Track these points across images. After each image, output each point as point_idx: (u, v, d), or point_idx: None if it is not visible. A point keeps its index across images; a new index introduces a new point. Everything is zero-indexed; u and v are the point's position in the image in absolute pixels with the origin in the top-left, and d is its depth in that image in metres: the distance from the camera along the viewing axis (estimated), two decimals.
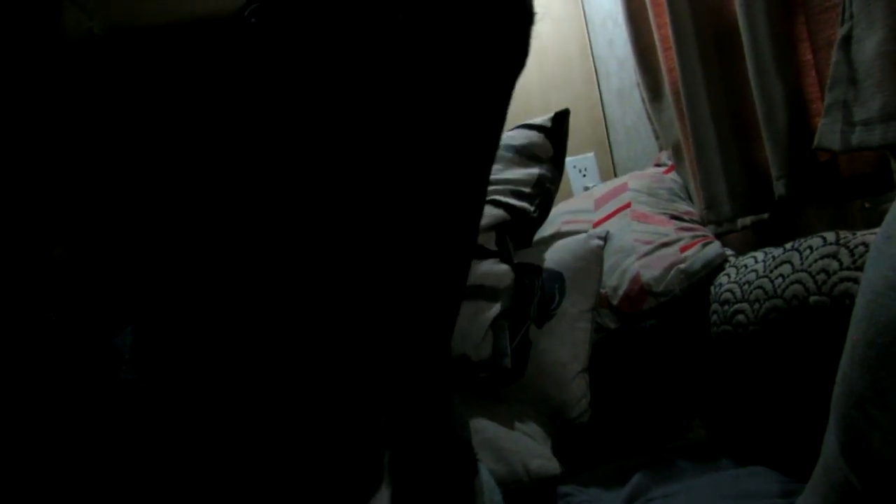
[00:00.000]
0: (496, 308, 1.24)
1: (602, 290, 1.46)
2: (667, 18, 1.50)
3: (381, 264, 0.45)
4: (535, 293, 1.33)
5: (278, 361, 0.46)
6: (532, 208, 1.40)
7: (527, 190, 1.41)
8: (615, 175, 2.23)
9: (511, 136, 1.49)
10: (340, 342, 0.46)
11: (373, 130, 0.42)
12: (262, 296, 0.46)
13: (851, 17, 0.94)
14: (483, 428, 1.16)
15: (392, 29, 0.40)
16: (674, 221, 1.57)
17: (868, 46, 0.91)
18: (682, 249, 1.45)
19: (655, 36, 1.64)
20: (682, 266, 1.41)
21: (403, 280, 0.46)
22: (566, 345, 1.32)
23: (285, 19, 0.46)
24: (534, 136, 1.47)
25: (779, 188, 1.22)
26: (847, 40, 0.96)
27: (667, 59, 1.60)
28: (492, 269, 1.29)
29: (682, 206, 1.64)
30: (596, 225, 1.65)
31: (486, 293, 1.26)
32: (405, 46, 0.40)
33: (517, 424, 1.20)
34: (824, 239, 1.02)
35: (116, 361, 0.76)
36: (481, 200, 0.62)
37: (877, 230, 0.77)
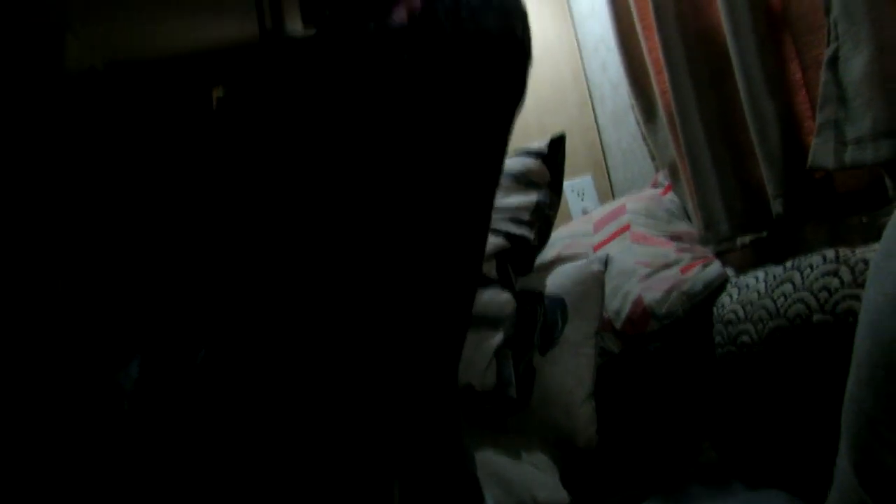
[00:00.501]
0: (499, 336, 1.24)
1: (605, 314, 1.46)
2: (657, 42, 1.51)
3: (390, 293, 0.45)
4: (538, 320, 1.33)
5: (288, 391, 0.46)
6: (531, 235, 1.40)
7: (526, 217, 1.41)
8: (613, 196, 2.23)
9: (508, 163, 1.50)
10: (349, 374, 0.46)
11: (379, 162, 0.42)
12: (271, 327, 0.47)
13: (837, 37, 0.95)
14: (490, 459, 1.15)
15: (397, 68, 0.41)
16: (673, 242, 1.57)
17: (855, 66, 0.92)
18: (683, 270, 1.45)
19: (647, 59, 1.65)
20: (684, 287, 1.40)
21: (411, 308, 0.46)
22: (571, 371, 1.31)
23: (296, 56, 0.48)
24: (531, 162, 1.48)
25: (776, 206, 1.22)
26: (834, 60, 0.97)
27: (659, 81, 1.61)
28: (494, 298, 1.29)
29: (681, 227, 1.64)
30: (596, 248, 1.65)
31: (489, 322, 1.26)
32: (409, 84, 0.41)
33: (524, 455, 1.19)
34: (824, 257, 1.02)
35: (118, 395, 0.76)
36: (486, 229, 0.63)
37: (876, 246, 0.78)
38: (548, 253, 1.65)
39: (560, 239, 1.76)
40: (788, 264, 1.12)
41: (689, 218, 1.67)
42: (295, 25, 2.24)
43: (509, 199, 1.44)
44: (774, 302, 1.09)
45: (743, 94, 1.27)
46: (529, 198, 1.44)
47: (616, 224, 1.68)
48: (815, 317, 0.98)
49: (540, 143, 1.51)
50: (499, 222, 1.39)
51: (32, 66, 2.90)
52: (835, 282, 0.97)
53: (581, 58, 2.35)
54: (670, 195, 1.74)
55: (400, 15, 0.40)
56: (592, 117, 2.32)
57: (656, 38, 1.51)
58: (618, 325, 1.47)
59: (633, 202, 1.73)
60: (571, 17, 2.37)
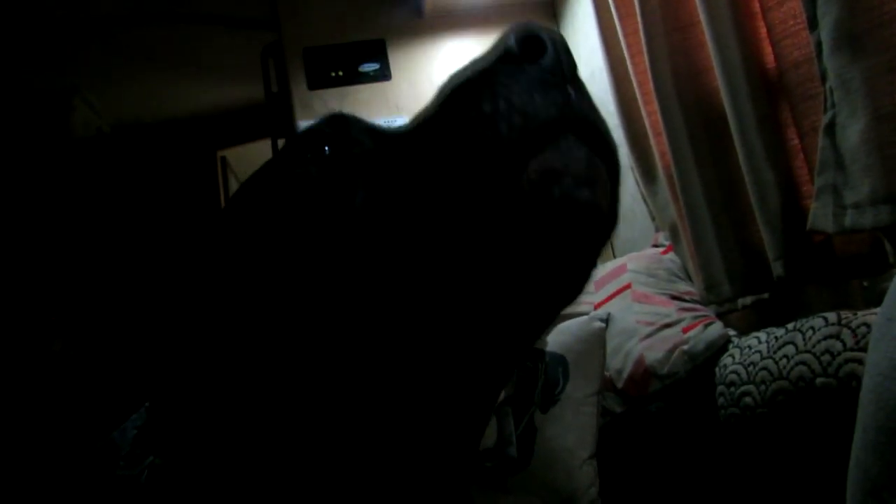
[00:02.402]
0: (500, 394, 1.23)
1: (606, 373, 1.45)
2: (656, 107, 1.55)
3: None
4: (539, 377, 1.32)
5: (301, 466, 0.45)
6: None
7: None
8: (613, 256, 2.24)
9: None
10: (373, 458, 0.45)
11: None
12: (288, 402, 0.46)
13: (833, 105, 0.98)
14: None
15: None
16: (675, 302, 1.58)
17: (852, 133, 0.94)
18: (685, 330, 1.45)
19: (646, 123, 1.69)
20: (686, 347, 1.40)
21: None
22: (572, 430, 1.29)
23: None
24: None
25: (776, 269, 1.23)
26: (831, 127, 0.99)
27: (658, 143, 1.65)
28: None
29: (682, 286, 1.65)
30: (597, 306, 1.65)
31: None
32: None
33: None
34: (826, 319, 1.03)
35: (114, 457, 0.75)
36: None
37: (877, 310, 0.78)
38: None
39: None
40: (790, 326, 1.13)
41: (689, 278, 1.68)
42: (300, 90, 2.29)
43: None
44: (777, 363, 1.09)
45: (742, 159, 1.30)
46: None
47: (617, 283, 1.68)
48: (819, 380, 0.98)
49: None
50: None
51: (42, 129, 2.97)
52: (837, 345, 0.97)
53: None
54: (671, 255, 1.75)
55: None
56: None
57: (655, 103, 1.55)
58: (619, 384, 1.46)
59: (634, 261, 1.74)
60: None
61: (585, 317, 1.49)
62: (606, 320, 1.47)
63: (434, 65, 2.39)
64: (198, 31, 2.78)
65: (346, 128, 0.48)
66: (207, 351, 0.48)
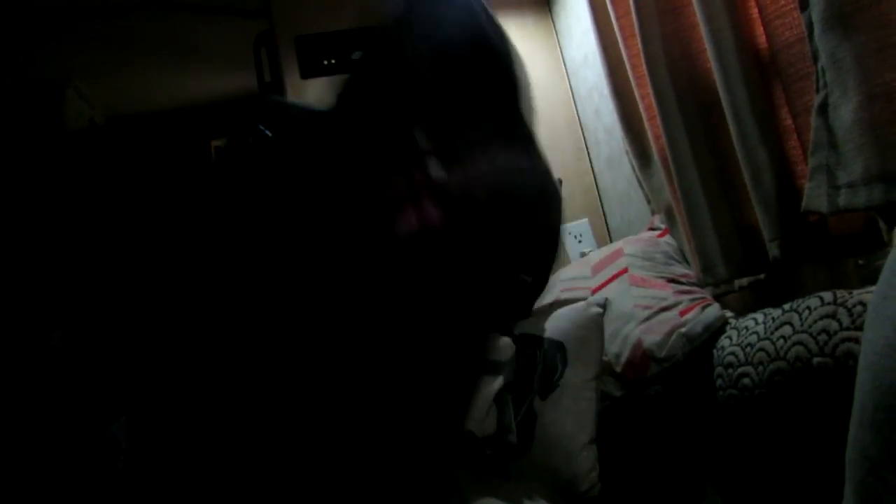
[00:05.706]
0: (499, 381, 1.23)
1: (605, 358, 1.45)
2: (650, 90, 1.54)
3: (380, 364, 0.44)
4: (538, 364, 1.32)
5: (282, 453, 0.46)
6: (530, 278, 1.40)
7: None
8: (610, 240, 2.25)
9: None
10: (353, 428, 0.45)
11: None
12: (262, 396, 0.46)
13: (826, 85, 0.98)
14: None
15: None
16: (672, 285, 1.58)
17: (845, 113, 0.94)
18: (682, 313, 1.46)
19: (640, 106, 1.68)
20: (683, 330, 1.40)
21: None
22: (572, 416, 1.30)
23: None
24: None
25: (772, 250, 1.23)
26: (824, 107, 0.99)
27: (652, 127, 1.64)
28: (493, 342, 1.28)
29: (679, 269, 1.65)
30: (594, 291, 1.66)
31: (489, 367, 1.25)
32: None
33: (526, 502, 1.17)
34: (822, 299, 1.03)
35: (114, 451, 0.75)
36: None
37: (873, 289, 0.78)
38: (546, 296, 1.65)
39: (558, 282, 1.76)
40: (787, 306, 1.13)
41: (686, 261, 1.68)
42: (293, 79, 2.28)
43: None
44: (774, 344, 1.09)
45: (735, 140, 1.29)
46: None
47: (614, 267, 1.69)
48: (816, 360, 0.98)
49: None
50: None
51: (33, 121, 2.94)
52: (833, 324, 0.97)
53: (575, 104, 2.39)
54: (667, 238, 1.75)
55: (408, 222, 0.39)
56: (588, 162, 2.35)
57: (648, 86, 1.55)
58: (618, 368, 1.46)
59: (631, 245, 1.74)
60: (565, 65, 2.43)
61: (583, 303, 1.50)
62: (604, 306, 1.47)
63: None
64: (190, 20, 2.76)
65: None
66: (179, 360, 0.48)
